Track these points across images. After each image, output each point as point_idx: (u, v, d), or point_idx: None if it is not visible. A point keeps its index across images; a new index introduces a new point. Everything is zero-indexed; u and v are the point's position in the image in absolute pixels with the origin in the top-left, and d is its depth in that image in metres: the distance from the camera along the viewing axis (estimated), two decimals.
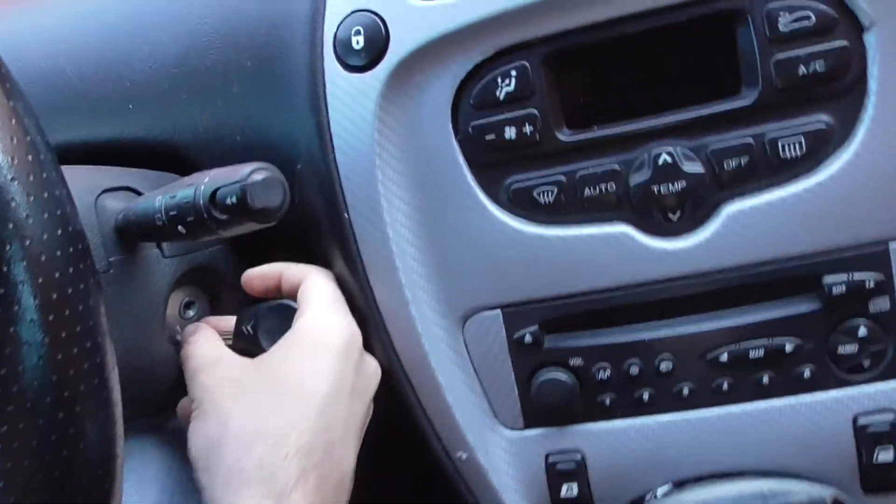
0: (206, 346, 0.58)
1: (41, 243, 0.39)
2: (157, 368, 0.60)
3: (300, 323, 0.57)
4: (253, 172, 0.47)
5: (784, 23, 0.53)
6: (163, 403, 0.63)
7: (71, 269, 0.40)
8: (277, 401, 0.52)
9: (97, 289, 0.41)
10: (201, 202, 0.47)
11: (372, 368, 0.60)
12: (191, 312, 0.64)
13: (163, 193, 0.51)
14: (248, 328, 0.61)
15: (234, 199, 0.46)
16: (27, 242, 0.36)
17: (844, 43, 0.52)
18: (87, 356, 0.41)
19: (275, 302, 0.62)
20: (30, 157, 0.39)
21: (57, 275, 0.40)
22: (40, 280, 0.39)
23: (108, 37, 0.66)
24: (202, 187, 0.47)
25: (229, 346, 0.59)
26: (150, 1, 0.66)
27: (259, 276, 0.63)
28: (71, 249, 0.40)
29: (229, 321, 0.63)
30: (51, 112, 0.66)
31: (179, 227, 0.49)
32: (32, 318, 0.36)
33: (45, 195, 0.39)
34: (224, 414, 0.52)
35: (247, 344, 0.61)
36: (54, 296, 0.39)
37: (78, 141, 0.67)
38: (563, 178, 0.58)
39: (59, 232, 0.40)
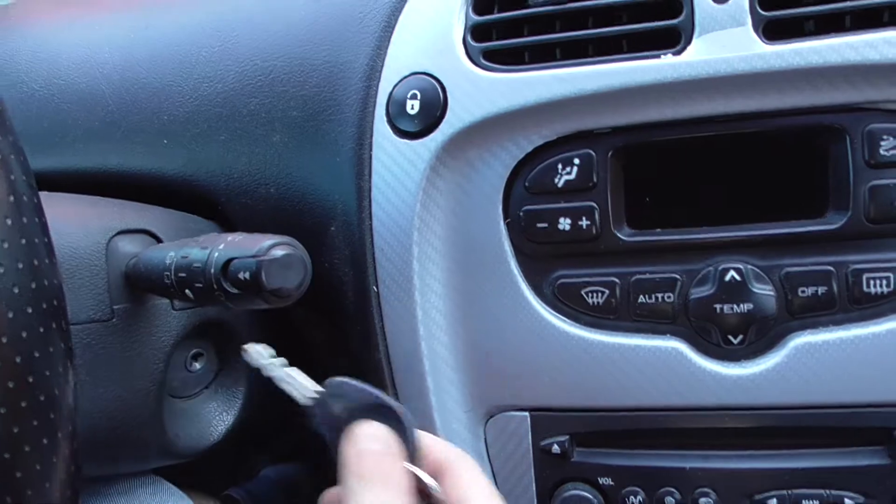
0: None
1: (11, 298, 0.35)
2: (152, 423, 0.56)
3: None
4: (273, 247, 0.42)
5: (886, 147, 0.47)
6: (157, 457, 0.58)
7: (41, 329, 0.36)
8: None
9: (68, 353, 0.37)
10: (212, 271, 0.42)
11: None
12: (197, 365, 0.60)
13: (176, 248, 0.46)
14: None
15: (247, 275, 0.41)
16: None
17: None
18: (48, 430, 0.37)
19: (374, 399, 0.43)
20: (11, 199, 0.35)
21: (24, 334, 0.35)
22: (4, 340, 0.34)
23: (153, 66, 0.63)
24: (216, 254, 0.42)
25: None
26: (201, 35, 0.62)
27: None
28: (44, 306, 0.36)
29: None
30: (85, 137, 0.64)
31: (187, 291, 0.44)
32: None
33: (23, 242, 0.35)
34: None
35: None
36: (18, 359, 0.35)
37: (107, 168, 0.63)
38: (616, 280, 0.53)
39: (34, 286, 0.36)
